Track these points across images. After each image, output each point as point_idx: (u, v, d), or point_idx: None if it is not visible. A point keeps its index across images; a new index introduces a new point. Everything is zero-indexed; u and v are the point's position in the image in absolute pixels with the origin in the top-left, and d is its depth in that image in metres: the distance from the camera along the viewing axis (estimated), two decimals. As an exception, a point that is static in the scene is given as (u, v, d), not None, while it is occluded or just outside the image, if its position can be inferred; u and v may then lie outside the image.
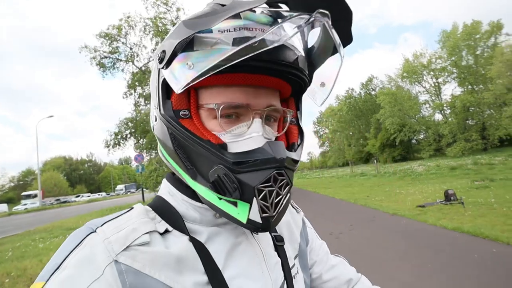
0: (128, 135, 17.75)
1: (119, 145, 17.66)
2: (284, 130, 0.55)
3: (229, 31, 0.42)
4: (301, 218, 0.74)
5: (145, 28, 16.81)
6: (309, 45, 0.53)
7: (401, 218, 7.43)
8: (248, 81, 0.46)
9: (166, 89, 0.47)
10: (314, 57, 0.53)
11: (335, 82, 0.53)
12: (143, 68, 17.62)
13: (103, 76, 18.32)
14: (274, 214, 0.45)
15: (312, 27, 0.48)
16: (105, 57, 16.87)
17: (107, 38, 16.28)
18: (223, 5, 0.44)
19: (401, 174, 20.44)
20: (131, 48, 17.22)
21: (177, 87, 0.42)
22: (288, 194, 0.48)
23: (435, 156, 30.22)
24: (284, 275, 0.56)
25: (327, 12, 0.42)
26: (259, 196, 0.43)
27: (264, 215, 0.44)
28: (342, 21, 0.46)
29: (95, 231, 0.44)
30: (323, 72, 0.54)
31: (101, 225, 0.45)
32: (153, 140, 16.24)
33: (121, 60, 17.34)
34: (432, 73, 34.31)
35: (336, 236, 6.16)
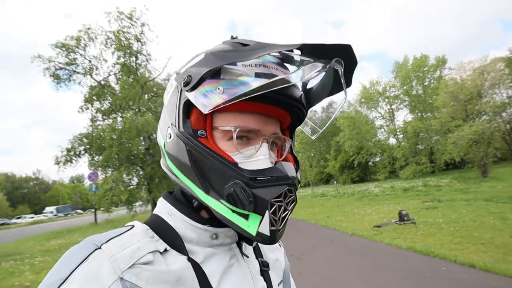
0: (82, 152, 16.55)
1: (71, 162, 16.35)
2: (284, 156, 0.60)
3: (251, 66, 0.49)
4: (283, 252, 0.78)
5: (106, 42, 16.23)
6: (308, 86, 0.61)
7: (359, 238, 7.60)
8: (259, 109, 0.52)
9: (186, 110, 0.52)
10: (311, 97, 0.61)
11: (332, 119, 0.69)
12: (103, 82, 16.86)
13: (57, 88, 17.08)
14: (280, 228, 0.50)
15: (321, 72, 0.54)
16: (61, 68, 15.93)
17: (64, 48, 15.41)
18: (245, 45, 0.52)
19: (359, 195, 21.22)
20: (90, 61, 16.46)
21: (206, 108, 0.48)
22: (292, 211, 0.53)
23: (390, 178, 31.92)
24: None
25: (342, 60, 0.50)
26: (270, 210, 0.47)
27: (272, 228, 0.48)
28: (348, 68, 0.54)
29: (100, 248, 0.45)
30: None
31: (106, 242, 0.46)
32: (110, 158, 15.26)
33: (78, 73, 16.48)
34: (386, 100, 36.88)
35: (297, 257, 6.12)
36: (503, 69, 28.35)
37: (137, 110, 16.06)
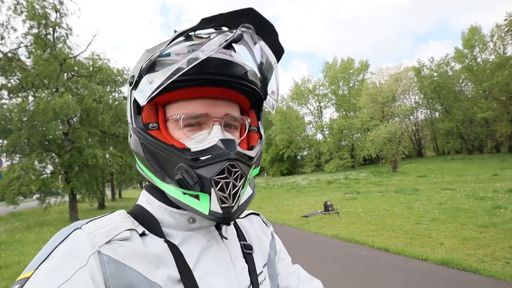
0: (-19, 134, 13.87)
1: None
2: (244, 135, 0.60)
3: (183, 53, 0.49)
4: (270, 232, 0.78)
5: (15, 7, 13.68)
6: (258, 62, 0.57)
7: (289, 228, 7.91)
8: (206, 93, 0.52)
9: (137, 107, 0.54)
10: (263, 71, 0.59)
11: (278, 88, 0.61)
12: (10, 55, 14.27)
13: None
14: (233, 204, 0.50)
15: (239, 41, 0.52)
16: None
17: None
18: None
19: (288, 187, 22.26)
20: (-8, 28, 13.74)
21: (141, 100, 0.50)
22: (247, 187, 0.55)
23: (316, 171, 34.21)
24: (251, 280, 0.59)
25: (249, 25, 0.49)
26: (216, 187, 0.48)
27: (223, 205, 0.49)
28: (269, 35, 0.53)
29: (81, 228, 0.48)
30: (271, 83, 0.60)
31: (86, 223, 0.49)
32: (18, 142, 13.05)
33: (-23, 41, 13.64)
34: (316, 97, 39.26)
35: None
36: (413, 77, 32.50)
37: (54, 90, 13.95)
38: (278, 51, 0.57)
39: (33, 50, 14.04)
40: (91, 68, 15.64)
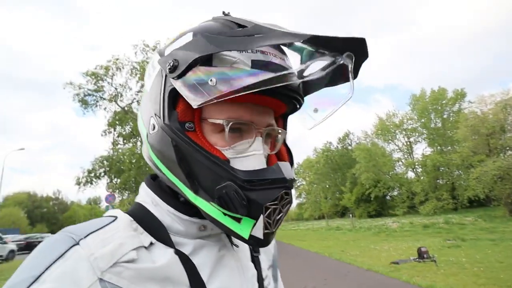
0: (102, 174, 17.10)
1: (91, 183, 16.88)
2: (277, 149, 0.56)
3: (247, 51, 0.44)
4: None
5: (132, 71, 17.28)
6: (305, 74, 0.52)
7: (375, 274, 7.28)
8: (253, 99, 0.47)
9: (172, 99, 0.47)
10: (309, 85, 0.55)
11: (333, 113, 0.53)
12: (126, 108, 17.71)
13: (84, 112, 18.20)
14: (274, 230, 0.47)
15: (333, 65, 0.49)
16: (89, 94, 16.96)
17: (93, 76, 16.52)
18: (240, 25, 0.48)
19: (376, 230, 20.44)
20: (116, 88, 17.47)
21: (196, 102, 0.43)
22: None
23: (409, 213, 30.71)
24: (259, 287, 0.58)
25: (353, 55, 0.46)
26: (265, 213, 0.45)
27: (266, 231, 0.46)
28: (357, 61, 0.49)
29: (79, 244, 0.41)
30: (319, 99, 0.56)
31: (85, 237, 0.42)
32: (128, 181, 15.66)
33: (104, 99, 17.43)
34: (404, 132, 36.39)
35: (309, 290, 5.92)
36: (527, 103, 27.68)
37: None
38: (355, 76, 0.52)
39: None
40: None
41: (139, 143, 17.37)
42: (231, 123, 0.46)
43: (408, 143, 36.69)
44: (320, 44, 0.46)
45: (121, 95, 17.70)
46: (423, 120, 33.97)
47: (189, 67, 0.43)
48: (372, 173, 34.23)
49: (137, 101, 18.08)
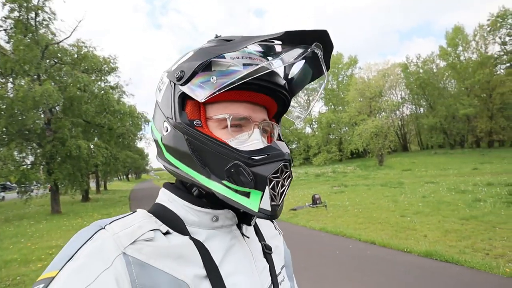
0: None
1: None
2: (275, 140, 0.63)
3: (238, 58, 0.54)
4: (282, 240, 0.80)
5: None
6: (290, 76, 0.65)
7: (278, 221, 7.99)
8: (248, 97, 0.56)
9: (181, 102, 0.55)
10: (293, 85, 0.65)
11: (316, 101, 0.69)
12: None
13: None
14: (279, 203, 0.53)
15: (303, 59, 0.57)
16: None
17: None
18: (229, 40, 0.55)
19: (277, 180, 22.40)
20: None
21: (202, 97, 0.52)
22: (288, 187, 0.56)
23: (304, 164, 34.58)
24: (272, 280, 0.62)
25: (320, 44, 0.54)
26: (270, 185, 0.50)
27: (272, 203, 0.51)
28: (325, 53, 0.57)
29: (104, 228, 0.48)
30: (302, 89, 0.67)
31: (109, 223, 0.49)
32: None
33: None
34: (305, 91, 39.27)
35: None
36: (400, 73, 32.99)
37: (35, 77, 13.50)
38: (327, 67, 0.61)
39: (13, 34, 13.34)
40: (76, 55, 15.09)
41: (10, 84, 13.87)
42: (231, 117, 0.54)
43: (308, 101, 39.97)
44: (291, 40, 0.53)
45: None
46: (321, 81, 37.29)
47: (194, 74, 0.52)
48: (274, 128, 36.59)
49: (5, 30, 14.04)
